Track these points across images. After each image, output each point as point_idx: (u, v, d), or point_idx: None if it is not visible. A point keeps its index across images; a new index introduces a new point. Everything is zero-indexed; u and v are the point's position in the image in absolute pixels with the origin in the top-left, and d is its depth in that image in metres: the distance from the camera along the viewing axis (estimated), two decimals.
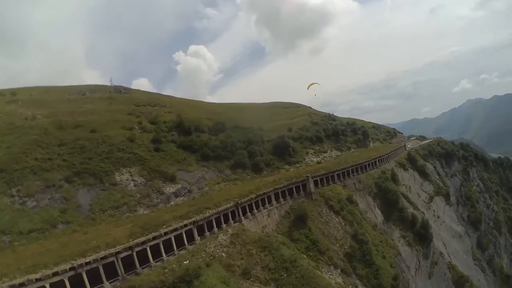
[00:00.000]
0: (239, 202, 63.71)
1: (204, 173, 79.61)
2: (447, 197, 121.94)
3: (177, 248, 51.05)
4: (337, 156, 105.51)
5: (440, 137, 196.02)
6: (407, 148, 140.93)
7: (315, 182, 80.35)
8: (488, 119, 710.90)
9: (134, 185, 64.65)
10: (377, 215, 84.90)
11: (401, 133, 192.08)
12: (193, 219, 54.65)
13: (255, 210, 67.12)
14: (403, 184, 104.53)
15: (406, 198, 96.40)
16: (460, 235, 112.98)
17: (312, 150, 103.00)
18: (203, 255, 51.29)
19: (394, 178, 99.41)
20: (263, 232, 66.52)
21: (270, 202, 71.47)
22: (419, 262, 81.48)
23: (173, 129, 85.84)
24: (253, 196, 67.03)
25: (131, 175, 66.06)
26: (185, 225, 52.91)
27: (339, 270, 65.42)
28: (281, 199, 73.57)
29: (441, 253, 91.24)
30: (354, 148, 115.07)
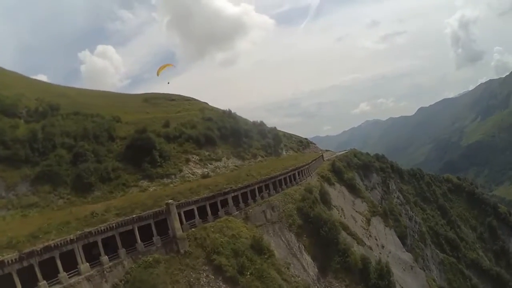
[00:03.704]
0: None
1: None
2: (384, 217, 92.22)
3: None
4: (236, 166, 66.66)
5: (355, 148, 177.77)
6: (325, 159, 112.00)
7: (188, 215, 40.43)
8: (384, 137, 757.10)
9: None
10: (307, 266, 47.34)
11: (314, 144, 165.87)
12: None
13: None
14: (334, 206, 70.06)
15: (346, 228, 61.40)
16: (412, 266, 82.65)
17: (197, 157, 63.03)
18: None
19: (324, 199, 63.71)
20: None
21: (73, 264, 30.28)
22: None
23: None
24: (16, 256, 24.57)
25: None
26: None
27: None
28: (103, 258, 32.24)
29: None
30: (262, 156, 77.59)
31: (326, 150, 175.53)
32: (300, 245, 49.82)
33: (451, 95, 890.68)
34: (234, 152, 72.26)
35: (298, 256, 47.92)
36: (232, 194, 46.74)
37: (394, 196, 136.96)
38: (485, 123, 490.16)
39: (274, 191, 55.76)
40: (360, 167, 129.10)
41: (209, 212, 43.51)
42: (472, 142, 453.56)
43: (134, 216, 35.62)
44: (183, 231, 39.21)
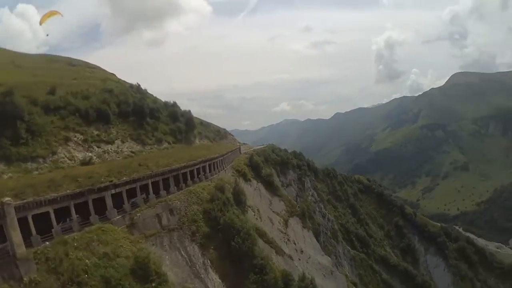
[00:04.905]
0: None
1: None
2: (302, 217, 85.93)
3: None
4: (132, 152, 52.48)
5: (273, 144, 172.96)
6: (242, 152, 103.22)
7: (42, 221, 26.50)
8: (301, 137, 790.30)
9: None
10: None
11: (232, 136, 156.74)
12: None
13: None
14: (249, 207, 59.81)
15: (262, 235, 51.36)
16: (331, 271, 77.16)
17: (81, 136, 48.11)
18: None
19: (238, 199, 52.46)
20: None
21: None
22: None
23: None
24: None
25: None
26: None
27: None
28: None
29: None
30: (169, 142, 63.95)
31: (244, 144, 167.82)
32: (206, 261, 38.21)
33: (366, 105, 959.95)
34: (134, 134, 57.85)
35: (202, 275, 36.29)
36: (113, 191, 33.10)
37: (309, 194, 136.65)
38: (395, 134, 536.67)
39: (175, 187, 43.05)
40: (278, 163, 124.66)
41: (75, 217, 29.57)
42: (381, 149, 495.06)
43: None
44: (33, 246, 25.21)
